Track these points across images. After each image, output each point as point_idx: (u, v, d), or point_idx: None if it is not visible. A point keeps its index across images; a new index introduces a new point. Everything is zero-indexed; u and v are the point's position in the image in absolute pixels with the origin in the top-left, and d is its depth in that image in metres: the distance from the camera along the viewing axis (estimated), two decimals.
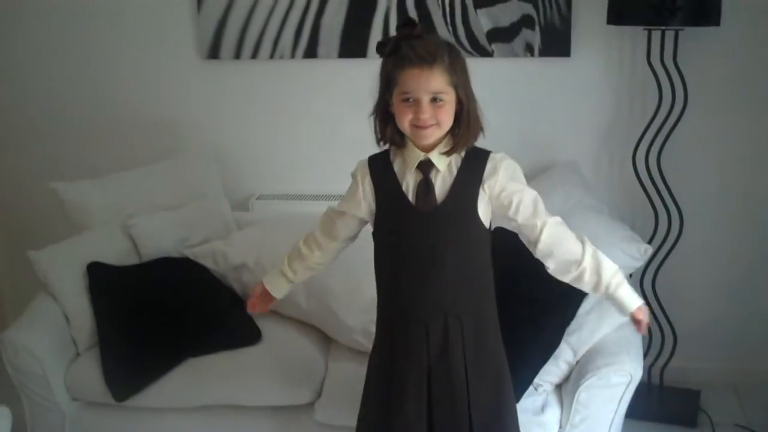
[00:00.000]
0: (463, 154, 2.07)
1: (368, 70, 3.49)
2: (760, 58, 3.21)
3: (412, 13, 3.31)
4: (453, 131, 2.05)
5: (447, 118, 2.01)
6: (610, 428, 2.63)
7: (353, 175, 2.21)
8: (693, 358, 3.46)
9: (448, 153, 2.05)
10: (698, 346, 3.48)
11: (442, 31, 3.30)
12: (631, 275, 3.07)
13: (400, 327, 2.18)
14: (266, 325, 2.95)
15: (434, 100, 1.98)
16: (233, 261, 3.04)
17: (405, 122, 2.01)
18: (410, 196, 2.08)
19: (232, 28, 3.44)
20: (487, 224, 2.10)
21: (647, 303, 3.18)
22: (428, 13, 3.30)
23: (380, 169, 2.15)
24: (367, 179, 2.16)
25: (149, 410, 2.81)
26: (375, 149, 3.69)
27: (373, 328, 2.77)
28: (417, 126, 2.00)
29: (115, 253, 3.04)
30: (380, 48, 2.04)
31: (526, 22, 3.26)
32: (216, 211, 3.33)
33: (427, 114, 1.98)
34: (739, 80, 3.24)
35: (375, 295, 2.83)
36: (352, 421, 2.67)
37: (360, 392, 2.69)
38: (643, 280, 3.27)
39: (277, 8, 3.40)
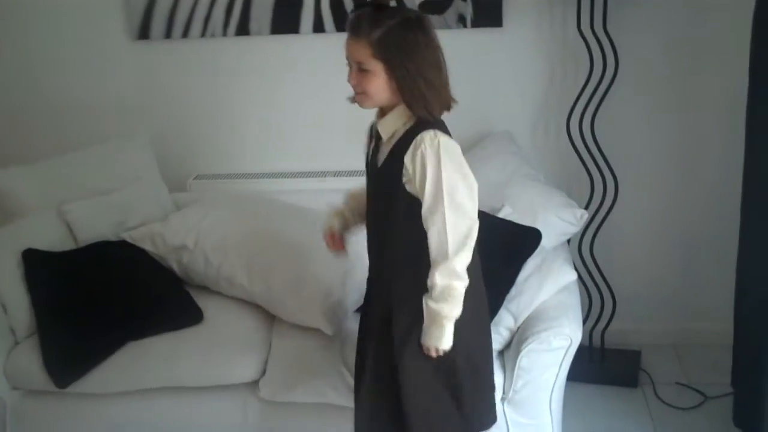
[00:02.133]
0: (409, 126, 2.11)
1: (301, 45, 3.49)
2: (688, 23, 3.25)
3: None
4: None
5: (372, 89, 2.07)
6: (552, 392, 2.68)
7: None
8: (633, 320, 3.53)
9: (394, 122, 2.12)
10: (637, 308, 3.54)
11: None
12: (569, 241, 3.13)
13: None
14: (208, 305, 2.94)
15: (362, 69, 2.06)
16: (172, 242, 3.01)
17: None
18: (368, 156, 2.24)
19: (162, 7, 3.38)
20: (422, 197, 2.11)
21: (585, 267, 3.28)
22: None
23: (373, 128, 2.27)
24: (366, 135, 2.30)
25: (92, 396, 2.78)
26: (314, 127, 3.70)
27: (313, 306, 2.80)
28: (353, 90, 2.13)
29: (51, 239, 2.99)
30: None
31: None
32: (152, 193, 3.29)
33: (353, 81, 2.09)
34: (668, 45, 3.28)
35: (314, 275, 2.86)
36: (297, 397, 2.71)
37: (304, 368, 2.72)
38: (581, 246, 3.31)
39: None
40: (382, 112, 2.15)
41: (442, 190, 2.05)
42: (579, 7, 3.09)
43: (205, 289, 3.04)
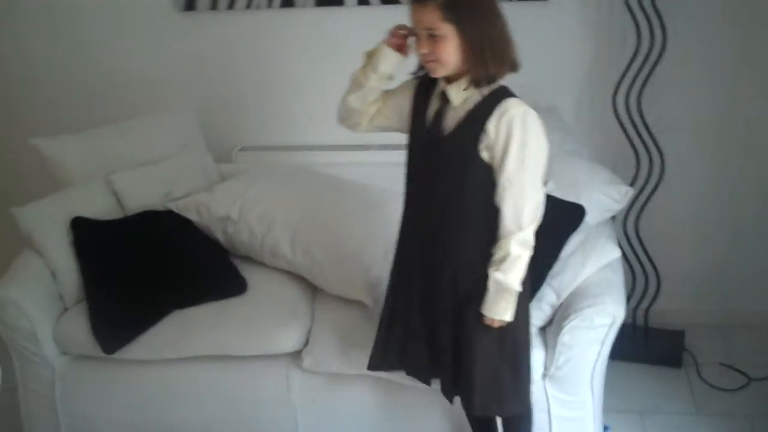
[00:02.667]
0: (486, 92, 2.12)
1: (345, 18, 3.49)
2: None
3: None
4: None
5: (446, 55, 2.07)
6: (594, 369, 2.67)
7: (407, 82, 2.30)
8: (677, 300, 3.50)
9: (466, 88, 2.12)
10: (682, 287, 3.52)
11: None
12: (614, 218, 3.10)
13: (401, 245, 2.36)
14: (252, 276, 2.97)
15: (432, 36, 2.05)
16: (217, 212, 3.04)
17: (419, 56, 2.14)
18: (428, 121, 2.19)
19: None
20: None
21: (630, 245, 3.25)
22: None
23: (423, 89, 2.25)
24: (410, 92, 2.28)
25: (138, 362, 2.83)
26: None
27: (355, 278, 2.82)
28: (422, 60, 2.13)
29: (99, 207, 3.03)
30: None
31: None
32: (198, 164, 3.32)
33: (424, 49, 2.09)
34: (717, 21, 3.23)
35: (357, 248, 2.87)
36: (339, 368, 2.73)
37: (346, 339, 2.74)
38: (626, 223, 3.29)
39: None
40: (448, 79, 2.14)
41: (525, 161, 2.07)
42: None
43: (249, 259, 3.07)
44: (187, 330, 2.80)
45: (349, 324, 2.79)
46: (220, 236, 3.08)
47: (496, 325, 2.19)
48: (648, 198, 3.24)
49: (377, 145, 3.41)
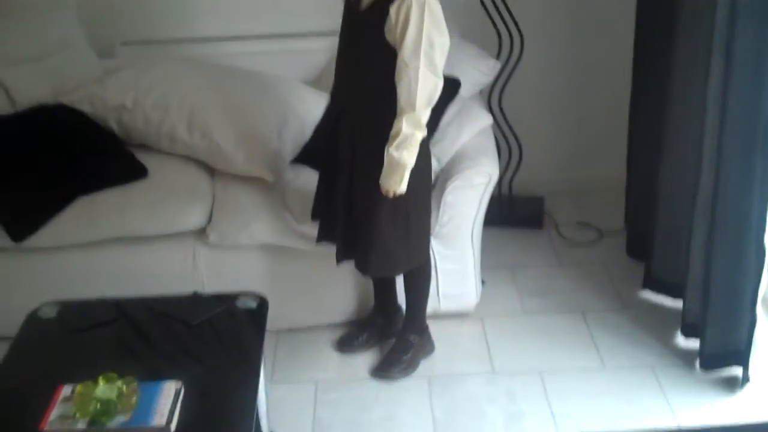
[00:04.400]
0: None
1: None
2: None
3: None
4: None
5: None
6: (473, 226, 2.98)
7: None
8: (537, 169, 3.83)
9: None
10: (541, 157, 3.84)
11: None
12: (481, 92, 3.39)
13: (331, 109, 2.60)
14: (151, 162, 3.05)
15: None
16: (111, 102, 3.07)
17: None
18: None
19: None
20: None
21: (495, 120, 3.55)
22: None
23: None
24: None
25: (48, 249, 2.87)
26: None
27: (253, 155, 2.98)
28: None
29: None
30: None
31: None
32: (83, 59, 3.33)
33: None
34: None
35: (253, 127, 3.02)
36: (243, 240, 2.89)
37: (248, 214, 2.91)
38: (490, 99, 3.58)
39: None
40: None
41: (420, 45, 2.25)
42: None
43: (145, 147, 3.13)
44: (93, 215, 2.87)
45: (250, 200, 2.95)
46: (114, 126, 3.12)
47: (390, 195, 2.41)
48: (510, 74, 3.52)
49: (256, 35, 3.53)
